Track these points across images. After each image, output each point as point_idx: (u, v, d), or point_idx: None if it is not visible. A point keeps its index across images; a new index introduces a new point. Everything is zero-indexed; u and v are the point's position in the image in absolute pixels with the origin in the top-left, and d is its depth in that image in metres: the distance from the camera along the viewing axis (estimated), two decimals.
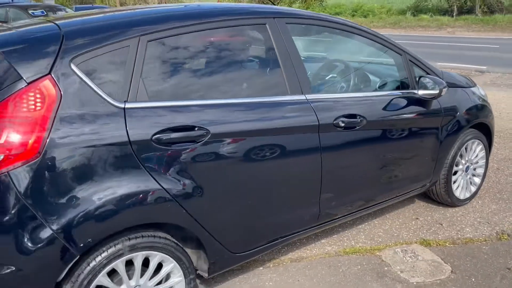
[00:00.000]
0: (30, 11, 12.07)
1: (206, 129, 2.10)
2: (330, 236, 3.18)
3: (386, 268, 2.79)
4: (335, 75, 3.09)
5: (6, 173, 1.72)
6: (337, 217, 2.83)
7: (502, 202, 3.71)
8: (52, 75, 1.83)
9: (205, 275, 2.36)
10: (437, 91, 2.91)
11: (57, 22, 2.09)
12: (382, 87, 3.07)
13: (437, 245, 3.06)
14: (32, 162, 1.75)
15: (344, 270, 2.79)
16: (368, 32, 2.91)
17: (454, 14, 22.93)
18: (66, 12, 13.08)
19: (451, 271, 2.76)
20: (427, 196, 3.68)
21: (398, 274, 2.73)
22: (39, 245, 1.77)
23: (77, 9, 15.53)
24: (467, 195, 3.65)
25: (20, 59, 1.82)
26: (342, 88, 2.99)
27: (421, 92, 2.97)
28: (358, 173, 2.80)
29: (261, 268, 2.83)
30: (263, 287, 2.64)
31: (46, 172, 1.78)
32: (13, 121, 1.75)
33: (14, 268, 1.76)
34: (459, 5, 23.19)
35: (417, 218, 3.46)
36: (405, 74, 3.05)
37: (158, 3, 43.88)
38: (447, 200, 3.52)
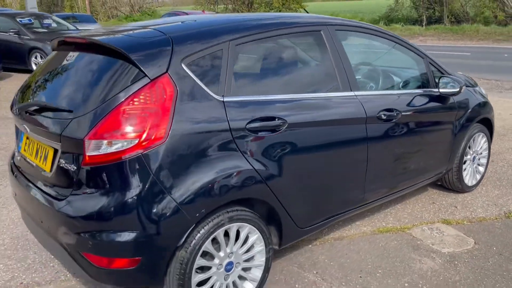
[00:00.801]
0: (18, 19, 12.07)
1: (284, 119, 2.48)
2: (362, 219, 3.59)
3: (418, 242, 3.22)
4: (373, 75, 3.53)
5: (140, 154, 2.05)
6: (376, 199, 3.24)
7: (503, 188, 4.22)
8: (169, 73, 2.17)
9: (276, 247, 2.72)
10: (457, 89, 3.39)
11: (157, 28, 2.44)
12: (407, 86, 3.53)
13: (456, 223, 3.52)
14: (160, 145, 2.08)
15: (383, 245, 3.20)
16: (398, 39, 3.37)
17: (424, 23, 24.04)
18: (53, 19, 13.11)
19: (475, 242, 3.21)
20: (438, 185, 4.15)
21: (430, 246, 3.17)
22: (167, 215, 2.10)
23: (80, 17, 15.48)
24: (474, 182, 4.14)
25: (142, 59, 2.15)
26: (379, 87, 3.43)
27: (442, 90, 3.44)
28: (393, 160, 3.23)
29: (310, 246, 3.20)
30: (317, 260, 3.01)
31: (170, 153, 2.11)
32: (144, 110, 2.08)
33: (145, 234, 2.08)
34: (428, 15, 24.33)
35: (433, 203, 3.92)
36: (427, 74, 3.51)
37: (130, 7, 43.83)
38: (458, 186, 4.00)
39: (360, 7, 37.26)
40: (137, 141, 2.05)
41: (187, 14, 14.18)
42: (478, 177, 4.20)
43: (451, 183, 4.00)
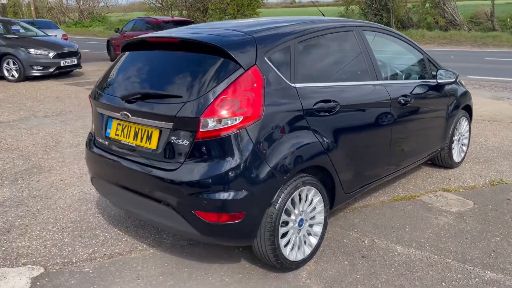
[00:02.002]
0: None
1: (337, 102, 3.06)
2: (378, 192, 4.24)
3: (430, 205, 3.90)
4: (387, 67, 4.19)
5: (245, 129, 2.55)
6: (395, 171, 3.89)
7: (481, 163, 5.03)
8: (257, 65, 2.69)
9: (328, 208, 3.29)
10: (454, 79, 4.12)
11: (235, 29, 2.95)
12: (414, 77, 4.22)
13: (454, 191, 4.25)
14: (257, 122, 2.60)
15: (402, 209, 3.85)
16: (407, 39, 4.07)
17: None
18: (20, 25, 12.98)
19: (474, 203, 3.94)
20: (429, 164, 4.88)
21: (440, 207, 3.86)
22: (264, 177, 2.61)
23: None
24: (459, 159, 4.92)
25: (238, 54, 2.65)
26: (395, 77, 4.10)
27: (440, 81, 4.16)
28: (407, 138, 3.89)
29: (343, 213, 3.80)
30: (353, 222, 3.61)
31: (264, 129, 2.63)
32: (244, 94, 2.59)
33: (248, 193, 2.58)
34: (377, 21, 25.86)
35: (430, 177, 4.64)
36: (426, 68, 4.23)
37: (79, 13, 42.77)
38: (448, 162, 4.75)
39: (312, 14, 38.64)
40: (241, 118, 2.55)
41: (157, 20, 14.43)
42: (462, 155, 4.99)
43: (443, 160, 4.74)
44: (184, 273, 2.97)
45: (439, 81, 4.18)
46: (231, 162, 2.56)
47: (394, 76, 4.11)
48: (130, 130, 2.92)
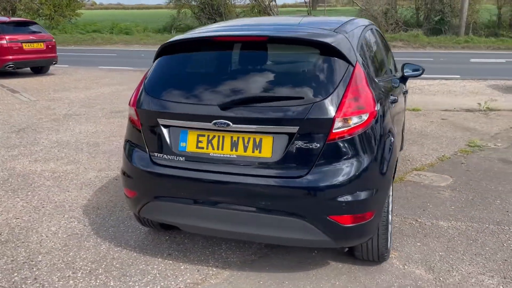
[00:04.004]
0: None
1: (395, 97, 3.27)
2: None
3: (422, 184, 4.40)
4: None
5: (370, 126, 2.55)
6: None
7: (416, 145, 5.84)
8: (357, 61, 2.70)
9: None
10: (421, 71, 4.70)
11: (322, 26, 2.92)
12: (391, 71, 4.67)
13: (423, 169, 4.86)
14: (376, 118, 2.62)
15: (406, 190, 4.26)
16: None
17: None
18: None
19: (450, 176, 4.60)
20: None
21: (432, 184, 4.39)
22: (388, 173, 2.66)
23: None
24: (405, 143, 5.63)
25: (345, 52, 2.62)
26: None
27: (408, 74, 4.70)
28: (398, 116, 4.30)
29: None
30: None
31: (380, 124, 2.66)
32: (362, 91, 2.57)
33: (378, 190, 2.59)
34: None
35: None
36: (393, 63, 4.73)
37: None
38: (402, 147, 5.39)
39: (139, 16, 37.48)
40: (367, 116, 2.54)
41: None
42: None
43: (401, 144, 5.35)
44: (291, 286, 2.78)
45: (405, 74, 4.71)
46: (363, 161, 2.52)
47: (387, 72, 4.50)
48: (223, 140, 2.59)
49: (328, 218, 2.49)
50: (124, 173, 2.96)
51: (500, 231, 3.42)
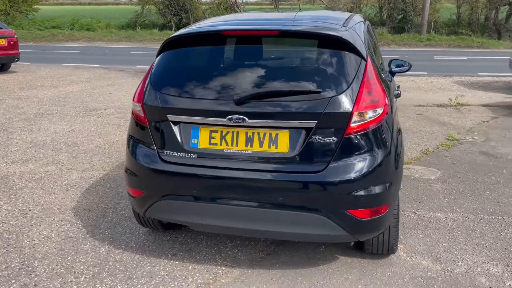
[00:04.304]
0: None
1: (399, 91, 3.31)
2: None
3: (413, 177, 4.48)
4: None
5: (384, 120, 2.56)
6: None
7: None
8: (368, 55, 2.70)
9: None
10: (408, 67, 4.78)
11: (331, 21, 2.92)
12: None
13: (409, 163, 4.96)
14: (388, 112, 2.63)
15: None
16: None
17: (173, 28, 25.89)
18: None
19: (437, 169, 4.71)
20: None
21: (422, 177, 4.48)
22: (400, 165, 2.68)
23: None
24: None
25: (358, 46, 2.61)
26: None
27: (395, 69, 4.77)
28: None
29: None
30: None
31: (391, 118, 2.68)
32: (375, 85, 2.58)
33: (393, 183, 2.60)
34: (177, 21, 26.33)
35: None
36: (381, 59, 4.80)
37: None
38: None
39: (99, 12, 36.40)
40: (381, 110, 2.55)
41: None
42: None
43: None
44: (304, 282, 2.76)
45: (393, 69, 4.78)
46: (378, 155, 2.53)
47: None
48: (237, 136, 2.53)
49: (346, 212, 2.48)
50: (128, 171, 2.85)
51: (495, 221, 3.53)
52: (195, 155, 2.60)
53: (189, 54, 2.80)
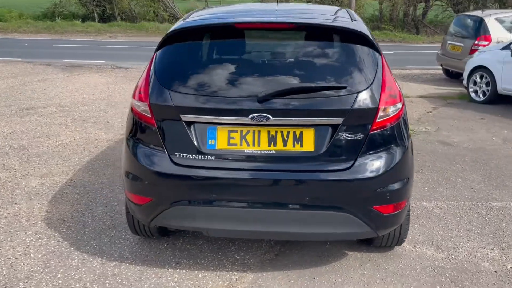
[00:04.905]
0: None
1: None
2: None
3: None
4: None
5: (403, 115, 2.56)
6: None
7: None
8: (381, 51, 2.69)
9: None
10: None
11: (327, 14, 2.83)
12: None
13: None
14: (404, 108, 2.63)
15: None
16: None
17: (97, 20, 24.54)
18: None
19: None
20: None
21: None
22: (413, 159, 2.70)
23: None
24: None
25: (373, 40, 2.59)
26: None
27: None
28: None
29: None
30: None
31: (405, 112, 2.68)
32: (392, 80, 2.57)
33: (411, 178, 2.62)
34: (100, 12, 24.96)
35: None
36: None
37: None
38: None
39: (15, 1, 33.37)
40: (401, 105, 2.55)
41: None
42: None
43: None
44: (323, 281, 2.71)
45: None
46: (400, 150, 2.53)
47: None
48: (258, 135, 2.41)
49: (372, 209, 2.46)
50: (130, 176, 2.60)
51: (477, 207, 3.73)
52: (213, 157, 2.43)
53: (198, 48, 2.60)
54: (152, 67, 2.61)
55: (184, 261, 2.92)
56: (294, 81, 2.45)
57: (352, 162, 2.41)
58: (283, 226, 2.50)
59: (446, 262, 2.93)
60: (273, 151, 2.40)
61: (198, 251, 3.03)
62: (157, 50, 2.67)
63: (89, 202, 3.79)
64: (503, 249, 3.09)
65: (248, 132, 2.41)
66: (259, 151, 2.40)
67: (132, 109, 2.61)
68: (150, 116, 2.49)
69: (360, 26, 2.68)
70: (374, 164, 2.44)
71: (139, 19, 25.41)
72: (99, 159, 4.84)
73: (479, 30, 9.81)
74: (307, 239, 2.99)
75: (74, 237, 3.22)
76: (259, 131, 2.40)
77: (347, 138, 2.40)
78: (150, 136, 2.52)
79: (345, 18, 2.79)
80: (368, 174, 2.41)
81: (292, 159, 2.41)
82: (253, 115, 2.34)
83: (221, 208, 2.46)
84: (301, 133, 2.40)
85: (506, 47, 7.67)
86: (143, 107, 2.51)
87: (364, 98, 2.40)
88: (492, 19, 10.09)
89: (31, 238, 3.19)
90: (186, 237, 3.18)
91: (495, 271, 2.84)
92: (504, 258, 2.98)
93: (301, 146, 2.40)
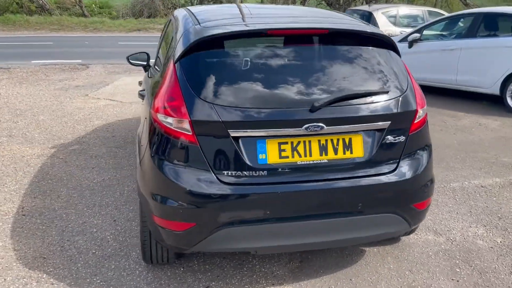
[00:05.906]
0: None
1: None
2: None
3: None
4: None
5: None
6: None
7: None
8: None
9: None
10: None
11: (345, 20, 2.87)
12: None
13: None
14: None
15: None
16: None
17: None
18: None
19: None
20: None
21: None
22: None
23: None
24: None
25: (395, 44, 2.67)
26: None
27: None
28: None
29: None
30: None
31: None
32: (415, 83, 2.69)
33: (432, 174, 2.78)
34: None
35: None
36: None
37: None
38: None
39: None
40: (426, 107, 2.68)
41: None
42: None
43: None
44: (360, 281, 2.76)
45: None
46: (430, 148, 2.70)
47: None
48: (309, 145, 2.34)
49: (412, 206, 2.57)
50: (165, 201, 2.33)
51: (443, 189, 4.11)
52: (265, 172, 2.29)
53: (233, 57, 2.40)
54: (179, 79, 2.34)
55: (213, 283, 2.72)
56: (343, 88, 2.41)
57: (396, 164, 2.48)
58: (335, 235, 2.48)
59: (449, 245, 3.19)
60: (325, 160, 2.36)
61: (221, 270, 2.85)
62: (179, 59, 2.41)
63: (61, 232, 3.31)
64: (485, 226, 3.46)
65: (299, 143, 2.32)
66: (311, 162, 2.34)
67: (160, 126, 2.34)
68: (191, 133, 2.25)
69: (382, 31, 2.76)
70: (414, 164, 2.54)
71: (0, 11, 22.54)
72: (41, 179, 4.23)
73: (369, 23, 10.72)
74: (356, 243, 3.00)
75: (69, 276, 2.79)
76: (309, 141, 2.33)
77: (392, 141, 2.46)
78: (190, 155, 2.28)
79: (365, 24, 2.85)
80: (411, 174, 2.51)
81: (343, 166, 2.39)
82: (308, 125, 2.27)
83: (275, 224, 2.35)
84: (350, 139, 2.39)
85: (403, 39, 8.49)
86: (179, 124, 2.26)
87: (405, 101, 2.48)
88: (380, 13, 11.09)
89: (17, 285, 2.69)
90: (198, 257, 2.97)
91: (491, 247, 3.17)
92: (491, 234, 3.35)
93: (351, 152, 2.39)
